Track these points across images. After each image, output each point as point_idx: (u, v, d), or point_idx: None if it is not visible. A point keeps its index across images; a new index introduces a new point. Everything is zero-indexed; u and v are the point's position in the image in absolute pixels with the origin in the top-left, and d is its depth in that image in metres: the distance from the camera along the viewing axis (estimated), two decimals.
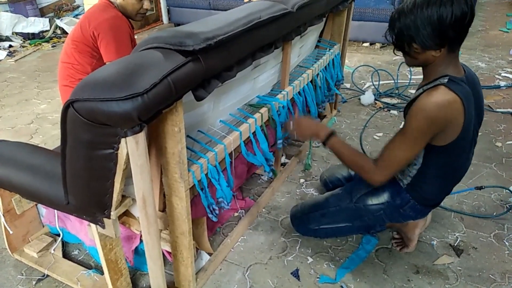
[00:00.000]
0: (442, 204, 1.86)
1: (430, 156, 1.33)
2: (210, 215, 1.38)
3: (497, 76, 3.46)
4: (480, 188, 1.89)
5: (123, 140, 0.94)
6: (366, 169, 1.34)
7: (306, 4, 1.56)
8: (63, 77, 1.86)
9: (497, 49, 4.15)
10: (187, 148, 1.19)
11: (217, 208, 1.39)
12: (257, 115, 1.56)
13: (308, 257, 1.62)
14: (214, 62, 1.07)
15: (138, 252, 1.51)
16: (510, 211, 1.83)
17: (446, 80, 1.20)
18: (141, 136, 0.94)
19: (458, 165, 1.37)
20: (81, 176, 1.05)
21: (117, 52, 1.72)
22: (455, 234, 1.72)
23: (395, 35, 1.24)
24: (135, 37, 1.93)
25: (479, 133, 2.50)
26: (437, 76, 1.23)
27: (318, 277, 1.53)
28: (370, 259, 1.60)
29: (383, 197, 1.47)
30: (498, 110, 2.82)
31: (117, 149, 0.96)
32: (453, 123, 1.21)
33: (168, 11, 5.49)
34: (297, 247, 1.67)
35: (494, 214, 1.81)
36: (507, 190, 1.93)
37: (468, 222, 1.78)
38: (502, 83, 3.27)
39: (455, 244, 1.67)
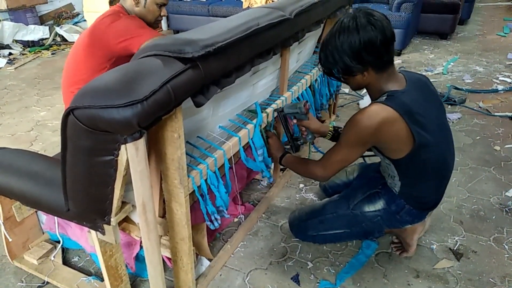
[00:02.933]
0: (441, 208, 1.87)
1: (401, 168, 1.38)
2: (208, 223, 1.38)
3: (494, 80, 3.48)
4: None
5: (123, 146, 0.95)
6: (311, 169, 1.47)
7: (303, 10, 1.57)
8: (71, 84, 1.79)
9: (494, 53, 4.18)
10: (187, 154, 1.20)
11: (219, 217, 1.39)
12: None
13: (308, 262, 1.62)
14: (213, 69, 1.08)
15: (138, 258, 1.51)
16: (506, 214, 1.84)
17: (384, 98, 1.27)
18: (141, 143, 0.95)
19: (436, 166, 1.39)
20: (81, 182, 1.05)
21: (146, 34, 1.63)
22: (454, 238, 1.72)
23: (322, 66, 1.35)
24: None
25: (477, 137, 2.53)
26: (379, 95, 1.31)
27: (318, 282, 1.53)
28: (370, 264, 1.61)
29: (380, 204, 1.48)
30: (496, 114, 2.83)
31: (117, 155, 0.97)
32: (393, 137, 1.26)
33: (167, 18, 5.52)
34: (297, 252, 1.67)
35: (494, 217, 1.82)
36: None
37: (468, 226, 1.79)
38: (500, 87, 3.29)
39: (455, 248, 1.67)
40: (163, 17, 1.86)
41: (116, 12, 1.75)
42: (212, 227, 1.40)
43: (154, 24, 1.84)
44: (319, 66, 1.37)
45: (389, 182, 1.48)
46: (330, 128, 1.69)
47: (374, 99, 1.33)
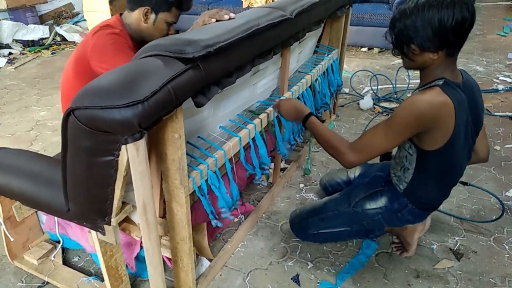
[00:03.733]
0: (441, 208, 1.87)
1: (422, 161, 1.35)
2: (214, 221, 1.37)
3: (495, 80, 3.48)
4: (464, 184, 1.83)
5: (123, 147, 0.95)
6: (340, 149, 1.34)
7: (304, 10, 1.57)
8: (67, 100, 1.69)
9: (494, 53, 4.18)
10: (187, 154, 1.20)
11: (223, 212, 1.39)
12: (257, 121, 1.57)
13: (308, 262, 1.62)
14: (214, 69, 1.08)
15: (139, 259, 1.51)
16: (507, 214, 1.84)
17: (441, 82, 1.21)
18: (142, 143, 0.95)
19: (451, 170, 1.38)
20: (82, 183, 1.05)
21: (113, 61, 1.47)
22: (455, 238, 1.72)
23: (395, 35, 1.25)
24: None
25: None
26: (433, 79, 1.25)
27: (318, 282, 1.53)
28: (370, 264, 1.60)
29: (381, 202, 1.48)
30: (496, 113, 2.83)
31: (118, 156, 0.97)
32: (441, 125, 1.22)
33: None
34: (297, 252, 1.67)
35: (494, 217, 1.82)
36: (493, 196, 1.90)
37: (468, 226, 1.79)
38: (500, 87, 3.29)
39: (455, 248, 1.67)
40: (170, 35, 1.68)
41: (106, 26, 1.61)
42: (215, 224, 1.38)
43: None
44: (387, 35, 1.28)
45: (398, 175, 1.44)
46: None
47: (425, 82, 1.27)
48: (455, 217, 1.83)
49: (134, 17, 1.62)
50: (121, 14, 1.68)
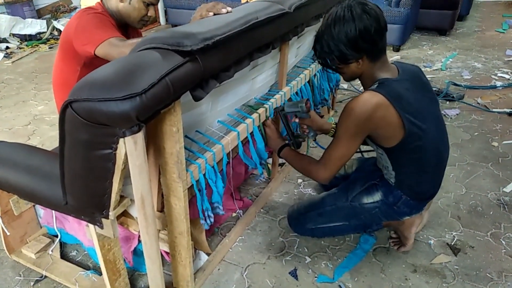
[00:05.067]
0: (439, 204, 1.88)
1: (394, 157, 1.39)
2: (202, 222, 1.37)
3: (493, 76, 3.48)
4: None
5: (121, 140, 0.94)
6: (312, 170, 1.45)
7: (303, 4, 1.56)
8: (55, 85, 1.74)
9: (493, 49, 4.18)
10: (185, 148, 1.19)
11: (212, 214, 1.38)
12: (255, 115, 1.57)
13: (306, 257, 1.62)
14: (212, 63, 1.07)
15: (137, 253, 1.51)
16: (504, 210, 1.85)
17: (375, 86, 1.29)
18: (140, 136, 0.94)
19: (427, 155, 1.39)
20: (80, 176, 1.05)
21: (104, 35, 1.47)
22: (452, 233, 1.73)
23: (317, 56, 1.37)
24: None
25: (475, 133, 2.54)
26: (371, 83, 1.33)
27: (316, 277, 1.53)
28: (368, 258, 1.61)
29: (377, 196, 1.49)
30: (494, 110, 2.84)
31: (116, 149, 0.96)
32: (385, 123, 1.28)
33: (166, 12, 5.51)
34: (295, 247, 1.68)
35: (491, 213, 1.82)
36: None
37: (465, 221, 1.79)
38: (498, 83, 3.29)
39: (452, 243, 1.68)
40: (150, 18, 1.70)
41: (88, 9, 1.62)
42: (206, 226, 1.39)
43: (138, 24, 1.69)
44: (314, 57, 1.39)
45: (385, 173, 1.49)
46: (333, 125, 1.69)
47: (366, 88, 1.35)
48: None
49: None
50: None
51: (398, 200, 1.46)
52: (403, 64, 1.42)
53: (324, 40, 1.30)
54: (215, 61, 1.09)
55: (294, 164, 1.57)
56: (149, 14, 1.68)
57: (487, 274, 1.53)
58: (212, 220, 1.38)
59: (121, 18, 1.66)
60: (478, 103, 2.96)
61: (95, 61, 1.54)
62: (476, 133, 2.54)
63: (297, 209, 1.67)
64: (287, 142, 1.66)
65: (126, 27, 1.73)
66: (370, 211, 1.51)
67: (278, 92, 1.76)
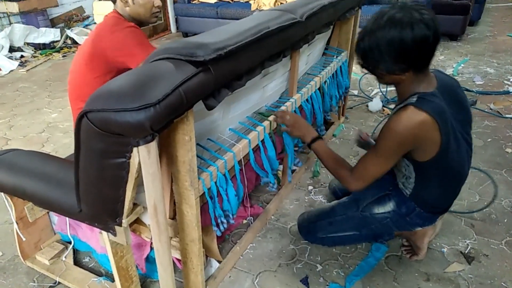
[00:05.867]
0: (452, 208, 1.86)
1: (421, 170, 1.35)
2: (215, 228, 1.38)
3: (506, 81, 3.44)
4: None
5: (135, 149, 0.96)
6: (344, 177, 1.40)
7: (314, 13, 1.57)
8: (76, 97, 1.76)
9: (505, 54, 4.13)
10: (197, 156, 1.20)
11: (225, 221, 1.40)
12: (266, 123, 1.57)
13: (318, 265, 1.62)
14: (224, 72, 1.09)
15: (149, 260, 1.53)
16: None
17: (415, 100, 1.21)
18: (153, 146, 0.96)
19: (452, 172, 1.37)
20: (94, 184, 1.07)
21: (142, 54, 1.55)
22: (465, 241, 1.71)
23: (361, 58, 1.26)
24: None
25: (488, 139, 2.51)
26: (408, 94, 1.25)
27: (327, 285, 1.53)
28: (380, 267, 1.60)
29: (389, 206, 1.47)
30: (507, 115, 2.80)
31: (129, 158, 0.98)
32: (427, 141, 1.23)
33: (176, 20, 5.56)
34: (306, 255, 1.67)
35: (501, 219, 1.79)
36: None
37: (479, 229, 1.77)
38: (511, 89, 3.25)
39: (466, 251, 1.65)
40: (159, 9, 1.73)
41: (116, 19, 1.66)
42: (218, 233, 1.40)
43: (151, 18, 1.72)
44: (357, 58, 1.27)
45: (402, 182, 1.45)
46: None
47: (401, 98, 1.29)
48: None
49: (119, 6, 1.68)
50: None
51: (411, 212, 1.44)
52: (442, 74, 1.35)
53: (374, 43, 1.17)
54: (227, 70, 1.11)
55: (326, 162, 1.47)
56: (156, 5, 1.70)
57: (502, 283, 1.50)
58: (225, 226, 1.39)
59: (135, 20, 1.70)
60: (491, 109, 2.92)
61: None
62: (489, 139, 2.52)
63: (308, 217, 1.66)
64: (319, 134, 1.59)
65: (147, 23, 1.78)
66: (381, 221, 1.49)
67: (289, 99, 1.77)
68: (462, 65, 3.88)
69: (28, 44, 4.88)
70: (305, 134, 1.54)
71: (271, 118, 1.61)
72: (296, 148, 1.85)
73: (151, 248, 1.46)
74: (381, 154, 1.28)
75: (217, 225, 1.39)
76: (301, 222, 1.68)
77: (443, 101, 1.24)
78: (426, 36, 1.13)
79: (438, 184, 1.37)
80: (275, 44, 1.35)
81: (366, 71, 1.29)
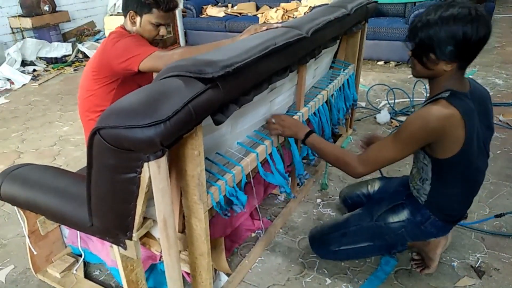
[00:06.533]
0: (462, 222, 1.84)
1: (438, 170, 1.36)
2: (222, 215, 1.38)
3: None
4: (500, 215, 1.86)
5: (145, 164, 0.98)
6: (348, 161, 1.40)
7: (320, 28, 1.60)
8: (86, 110, 1.83)
9: None
10: (206, 170, 1.22)
11: (229, 209, 1.39)
12: (273, 137, 1.59)
13: (326, 279, 1.61)
14: (232, 88, 1.11)
15: (158, 272, 1.54)
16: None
17: (447, 94, 1.24)
18: (163, 161, 0.98)
19: (469, 177, 1.37)
20: (105, 199, 1.09)
21: (146, 51, 1.60)
22: (476, 255, 1.69)
23: (416, 44, 1.26)
24: None
25: (498, 151, 2.49)
26: (441, 90, 1.28)
27: None
28: (389, 281, 1.59)
29: (404, 215, 1.47)
30: None
31: (140, 173, 1.00)
32: (451, 136, 1.24)
33: (185, 34, 5.64)
34: (315, 268, 1.67)
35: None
36: None
37: (490, 243, 1.75)
38: None
39: (477, 265, 1.64)
40: (163, 37, 1.80)
41: (119, 32, 1.74)
42: (225, 216, 1.39)
43: (153, 44, 1.77)
44: (409, 43, 1.29)
45: (417, 188, 1.45)
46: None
47: (434, 93, 1.30)
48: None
49: (128, 23, 1.75)
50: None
51: (426, 220, 1.43)
52: (476, 83, 1.38)
53: (435, 31, 1.19)
54: (235, 86, 1.13)
55: (325, 153, 1.48)
56: (161, 34, 1.76)
57: None
58: (229, 214, 1.39)
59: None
60: (500, 121, 2.91)
61: (136, 77, 1.71)
62: (498, 151, 2.50)
63: (321, 229, 1.64)
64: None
65: None
66: (396, 231, 1.47)
67: (296, 113, 1.79)
68: (470, 76, 3.87)
69: (40, 58, 4.98)
70: (297, 132, 1.55)
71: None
72: (305, 161, 1.86)
73: (160, 261, 1.47)
74: (402, 141, 1.28)
75: (224, 214, 1.38)
76: (314, 234, 1.66)
77: (474, 105, 1.27)
78: (487, 34, 1.17)
79: (454, 189, 1.37)
80: (281, 60, 1.38)
81: (411, 63, 1.32)
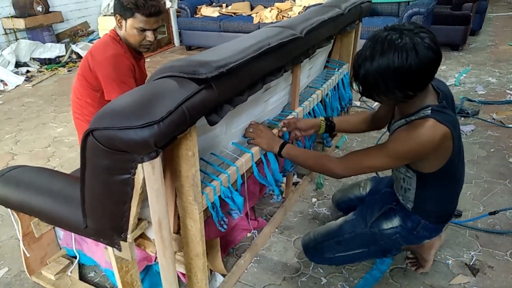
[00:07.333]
0: (457, 220, 1.85)
1: (423, 181, 1.35)
2: (219, 228, 1.38)
3: (508, 91, 3.45)
4: (494, 213, 1.88)
5: (139, 165, 0.98)
6: (326, 163, 1.40)
7: (314, 28, 1.60)
8: (74, 110, 1.87)
9: (507, 63, 4.15)
10: (201, 170, 1.22)
11: (226, 219, 1.39)
12: None
13: (322, 278, 1.62)
14: (226, 88, 1.11)
15: (153, 273, 1.53)
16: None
17: (429, 111, 1.19)
18: (157, 162, 0.97)
19: (453, 182, 1.38)
20: (100, 200, 1.08)
21: (118, 91, 1.63)
22: (470, 253, 1.70)
23: (362, 85, 1.18)
24: (147, 59, 1.89)
25: (491, 150, 2.51)
26: (418, 107, 1.23)
27: None
28: (385, 280, 1.59)
29: (396, 221, 1.46)
30: (510, 125, 2.80)
31: (134, 174, 1.00)
32: (443, 153, 1.24)
33: (180, 34, 5.64)
34: (311, 268, 1.67)
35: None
36: None
37: (484, 240, 1.76)
38: None
39: (471, 263, 1.65)
40: (150, 43, 1.73)
41: (109, 40, 1.72)
42: (222, 230, 1.39)
43: (140, 48, 1.74)
44: (356, 85, 1.20)
45: (402, 196, 1.45)
46: (322, 120, 1.65)
47: (407, 113, 1.26)
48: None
49: (116, 26, 1.74)
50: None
51: (417, 225, 1.42)
52: (439, 82, 1.31)
53: (375, 71, 1.10)
54: (229, 87, 1.13)
55: (303, 158, 1.45)
56: (147, 39, 1.71)
57: None
58: (225, 226, 1.39)
59: (126, 42, 1.75)
60: (494, 119, 2.93)
61: None
62: (492, 150, 2.52)
63: (314, 238, 1.61)
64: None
65: (136, 50, 1.80)
66: (390, 237, 1.46)
67: (291, 112, 1.79)
68: (464, 75, 3.90)
69: (34, 59, 4.95)
70: (272, 146, 1.50)
71: (274, 131, 1.62)
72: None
73: (155, 261, 1.46)
74: (391, 155, 1.24)
75: (221, 225, 1.38)
76: (308, 242, 1.62)
77: (451, 111, 1.25)
78: (432, 59, 1.08)
79: (438, 193, 1.37)
80: (276, 60, 1.38)
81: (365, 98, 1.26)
